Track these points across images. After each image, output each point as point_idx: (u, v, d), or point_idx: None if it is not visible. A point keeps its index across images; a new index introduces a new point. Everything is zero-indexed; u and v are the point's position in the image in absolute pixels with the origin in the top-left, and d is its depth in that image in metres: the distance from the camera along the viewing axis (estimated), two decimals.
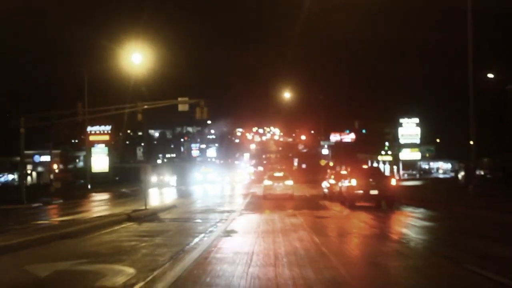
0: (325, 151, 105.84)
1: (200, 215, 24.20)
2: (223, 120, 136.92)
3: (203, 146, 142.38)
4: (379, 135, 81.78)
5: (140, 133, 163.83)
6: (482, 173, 65.67)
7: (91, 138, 76.20)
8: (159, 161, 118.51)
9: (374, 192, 28.48)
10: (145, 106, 40.54)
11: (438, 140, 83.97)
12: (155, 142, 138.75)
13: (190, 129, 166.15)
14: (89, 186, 56.48)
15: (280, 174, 40.16)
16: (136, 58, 41.09)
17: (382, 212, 25.96)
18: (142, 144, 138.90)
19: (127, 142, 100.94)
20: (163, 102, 38.68)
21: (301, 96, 77.34)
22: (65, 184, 64.19)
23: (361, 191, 28.61)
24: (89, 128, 75.91)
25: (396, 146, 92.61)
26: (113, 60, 48.10)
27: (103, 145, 76.76)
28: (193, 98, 38.13)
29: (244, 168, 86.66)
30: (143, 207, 26.12)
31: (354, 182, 28.79)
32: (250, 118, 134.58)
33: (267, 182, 38.42)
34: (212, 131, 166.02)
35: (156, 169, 69.25)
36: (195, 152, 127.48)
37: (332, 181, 36.82)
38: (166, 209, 27.66)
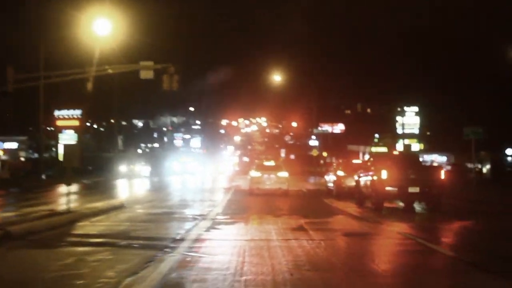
0: (313, 142, 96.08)
1: (145, 227, 13.87)
2: (208, 110, 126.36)
3: (188, 136, 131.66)
4: (385, 120, 71.67)
5: (124, 123, 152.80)
6: (479, 166, 58.23)
7: (59, 123, 65.56)
8: (139, 151, 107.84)
9: (414, 189, 18.39)
10: (110, 71, 30.20)
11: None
12: (136, 131, 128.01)
13: (175, 119, 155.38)
14: (43, 177, 45.90)
15: (271, 163, 29.95)
16: (104, 26, 30.66)
17: (434, 220, 15.97)
18: (125, 133, 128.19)
19: (102, 129, 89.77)
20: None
21: (291, 83, 66.95)
22: (26, 174, 54.20)
23: (394, 188, 18.44)
24: (56, 112, 65.54)
25: (390, 137, 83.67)
26: (77, 28, 37.53)
27: (72, 131, 65.84)
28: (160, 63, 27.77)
29: (228, 159, 76.25)
30: (68, 208, 15.88)
31: (384, 174, 18.57)
32: (236, 108, 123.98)
33: (254, 174, 28.16)
34: (198, 122, 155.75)
35: (130, 158, 58.80)
36: (178, 142, 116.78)
37: (341, 173, 26.62)
38: (102, 213, 17.29)
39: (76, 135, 68.19)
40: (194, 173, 53.51)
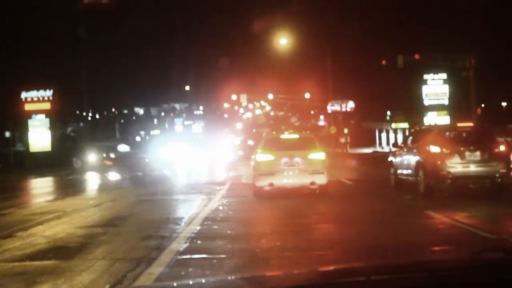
0: (322, 123, 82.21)
1: None
2: (206, 90, 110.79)
3: (190, 122, 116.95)
4: (405, 91, 56.72)
5: (125, 111, 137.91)
6: None
7: (27, 107, 51.03)
8: (138, 138, 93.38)
9: None
10: None
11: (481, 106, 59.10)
12: (134, 119, 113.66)
13: (177, 105, 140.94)
14: None
15: (294, 136, 15.28)
16: None
17: None
18: (122, 121, 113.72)
19: (87, 117, 74.45)
20: None
21: (300, 48, 52.12)
22: None
23: None
24: (23, 94, 51.05)
25: (401, 114, 69.59)
26: None
27: (43, 116, 51.27)
28: None
29: (230, 143, 61.58)
30: None
31: None
32: (239, 89, 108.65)
33: (263, 157, 13.64)
34: (201, 107, 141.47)
35: (105, 147, 44.04)
36: (178, 128, 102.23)
37: (438, 150, 12.13)
38: None
39: (47, 120, 53.49)
40: (185, 161, 38.88)
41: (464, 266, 2.21)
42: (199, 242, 7.81)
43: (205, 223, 9.64)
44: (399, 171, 14.60)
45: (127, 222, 10.32)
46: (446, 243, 7.34)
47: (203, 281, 2.60)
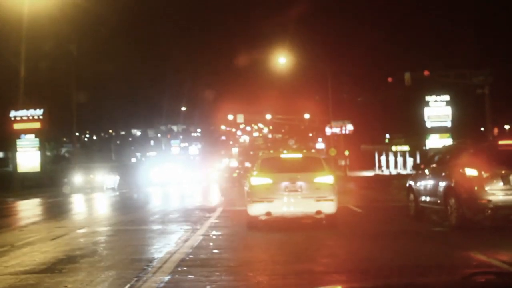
0: (319, 145, 79.56)
1: None
2: (202, 111, 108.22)
3: (187, 144, 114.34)
4: (407, 114, 54.17)
5: (123, 133, 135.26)
6: None
7: (16, 126, 48.35)
8: (133, 160, 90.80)
9: None
10: None
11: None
12: (130, 140, 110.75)
13: (174, 127, 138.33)
14: None
15: (297, 155, 12.65)
16: None
17: None
18: (118, 142, 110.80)
19: (79, 138, 71.64)
20: None
21: (299, 69, 49.89)
22: None
23: None
24: (13, 113, 48.37)
25: (400, 137, 67.79)
26: None
27: (32, 136, 48.63)
28: None
29: (227, 165, 59.11)
30: None
31: None
32: (236, 111, 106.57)
33: (260, 180, 11.01)
34: (199, 130, 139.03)
35: (92, 168, 41.51)
36: (175, 150, 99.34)
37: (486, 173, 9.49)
38: None
39: (37, 140, 50.71)
40: (179, 183, 36.41)
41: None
42: None
43: (179, 269, 7.02)
44: (421, 198, 11.98)
45: (76, 266, 7.67)
46: None
47: None
